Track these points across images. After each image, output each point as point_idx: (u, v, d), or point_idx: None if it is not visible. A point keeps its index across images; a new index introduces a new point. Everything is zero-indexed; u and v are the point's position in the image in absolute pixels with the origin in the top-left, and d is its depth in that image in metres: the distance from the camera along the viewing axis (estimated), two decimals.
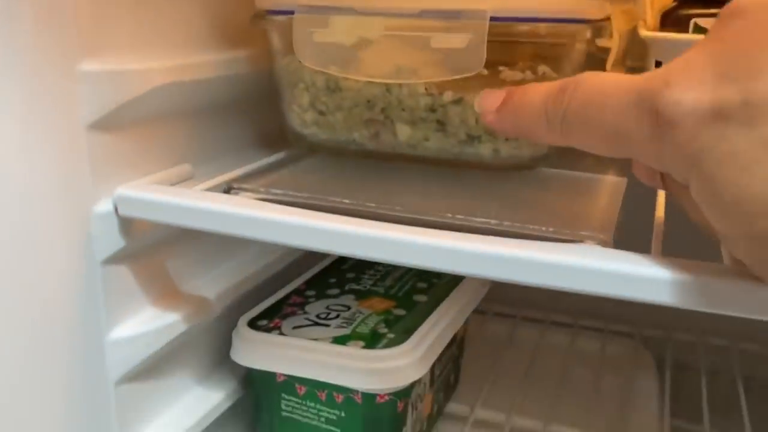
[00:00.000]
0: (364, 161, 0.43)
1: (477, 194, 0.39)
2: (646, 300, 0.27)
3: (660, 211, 0.35)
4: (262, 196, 0.35)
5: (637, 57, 0.46)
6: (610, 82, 0.26)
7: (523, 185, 0.40)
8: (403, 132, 0.40)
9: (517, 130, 0.31)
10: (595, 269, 0.27)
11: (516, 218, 0.32)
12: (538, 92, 0.29)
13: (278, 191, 0.35)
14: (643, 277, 0.27)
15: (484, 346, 0.64)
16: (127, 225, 0.37)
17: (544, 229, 0.30)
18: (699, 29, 0.41)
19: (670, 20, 0.42)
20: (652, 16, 0.54)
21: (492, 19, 0.35)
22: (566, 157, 0.41)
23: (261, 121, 0.49)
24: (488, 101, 0.31)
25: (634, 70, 0.46)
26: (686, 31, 0.41)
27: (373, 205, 0.33)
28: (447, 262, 0.29)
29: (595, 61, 0.39)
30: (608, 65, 0.40)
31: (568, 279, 0.28)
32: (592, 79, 0.26)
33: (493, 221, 0.31)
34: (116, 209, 0.36)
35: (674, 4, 0.42)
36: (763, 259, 0.23)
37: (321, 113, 0.42)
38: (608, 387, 0.60)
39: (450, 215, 0.32)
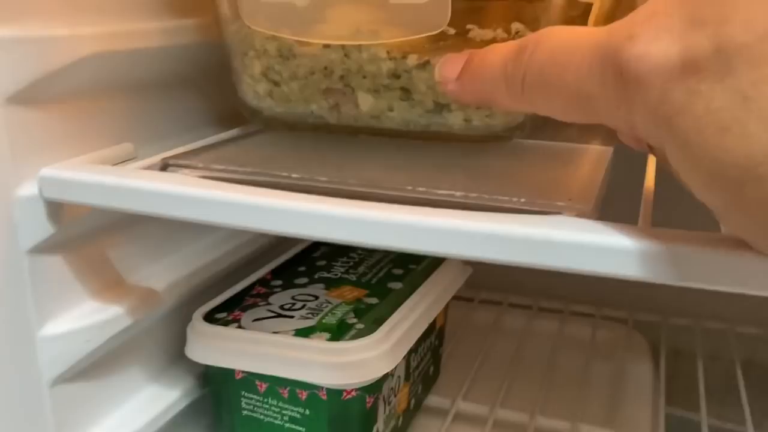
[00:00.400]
0: (323, 136, 0.39)
1: (444, 166, 0.35)
2: (632, 277, 0.23)
3: (650, 180, 0.32)
4: (201, 173, 0.31)
5: None
6: (572, 37, 0.22)
7: (497, 157, 0.36)
8: (366, 101, 0.37)
9: (479, 99, 0.27)
10: (572, 243, 0.24)
11: (485, 190, 0.28)
12: (498, 54, 0.25)
13: (219, 167, 0.31)
14: (626, 250, 0.23)
15: (468, 335, 0.61)
16: (55, 210, 0.33)
17: (515, 200, 0.27)
18: None
19: None
20: None
21: None
22: (546, 126, 0.37)
23: (216, 96, 0.45)
24: (448, 68, 0.28)
25: None
26: None
27: (324, 179, 0.30)
28: (400, 240, 0.25)
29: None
30: (590, 24, 0.36)
31: (541, 255, 0.24)
32: (552, 35, 0.23)
33: (457, 193, 0.28)
34: (41, 192, 0.32)
35: None
36: (757, 230, 0.20)
37: (275, 83, 0.38)
38: (600, 375, 0.56)
39: (410, 188, 0.28)
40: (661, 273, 0.23)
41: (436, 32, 0.32)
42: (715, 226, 0.24)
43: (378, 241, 0.25)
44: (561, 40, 0.23)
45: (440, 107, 0.36)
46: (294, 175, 0.30)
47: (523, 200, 0.27)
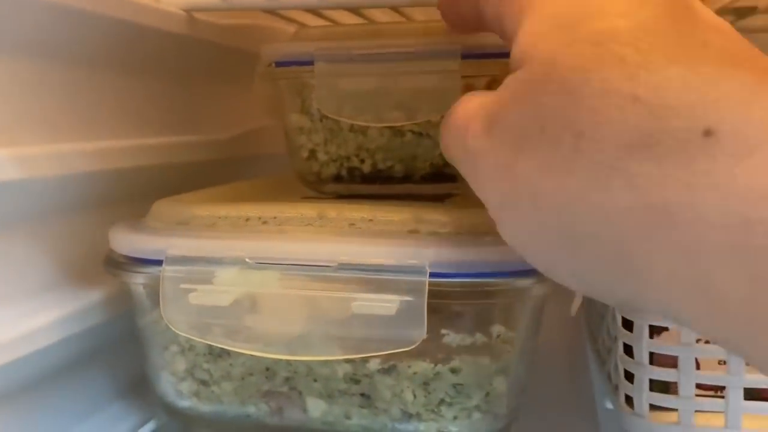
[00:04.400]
0: None
1: None
2: None
3: None
4: None
5: None
6: None
7: None
8: (316, 407, 0.30)
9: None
10: None
11: None
12: None
13: None
14: None
15: None
16: None
17: None
18: None
19: None
20: None
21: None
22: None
23: (124, 365, 0.38)
24: None
25: None
26: None
27: None
28: None
29: None
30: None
31: None
32: None
33: None
34: None
35: None
36: None
37: (202, 383, 0.31)
38: None
39: None
40: None
41: (409, 349, 0.26)
42: None
43: None
44: None
45: (409, 416, 0.30)
46: None
47: None
